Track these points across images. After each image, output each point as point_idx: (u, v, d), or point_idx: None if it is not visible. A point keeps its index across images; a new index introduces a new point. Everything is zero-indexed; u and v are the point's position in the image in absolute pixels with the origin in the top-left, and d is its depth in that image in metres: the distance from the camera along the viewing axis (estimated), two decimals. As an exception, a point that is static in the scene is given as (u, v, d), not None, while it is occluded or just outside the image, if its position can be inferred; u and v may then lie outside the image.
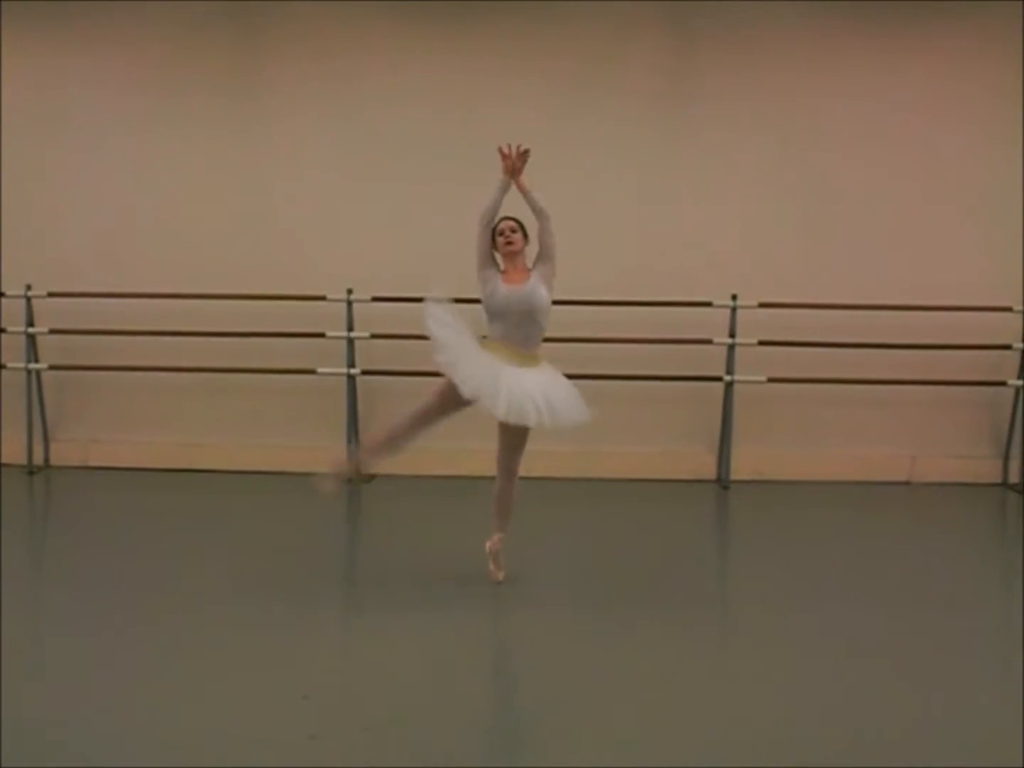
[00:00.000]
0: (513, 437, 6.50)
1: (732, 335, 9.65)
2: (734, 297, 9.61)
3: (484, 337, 6.48)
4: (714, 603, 6.84)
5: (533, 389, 6.20)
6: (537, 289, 6.40)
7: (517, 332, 6.39)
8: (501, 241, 6.49)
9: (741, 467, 9.87)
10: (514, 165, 6.43)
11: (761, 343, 9.59)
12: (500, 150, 6.44)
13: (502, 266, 6.55)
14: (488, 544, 6.77)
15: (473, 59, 9.95)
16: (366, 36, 9.92)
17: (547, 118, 9.83)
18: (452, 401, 6.41)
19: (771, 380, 9.66)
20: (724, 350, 9.71)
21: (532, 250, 6.58)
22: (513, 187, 6.46)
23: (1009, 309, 9.74)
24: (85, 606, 6.27)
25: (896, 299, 9.71)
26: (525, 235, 6.56)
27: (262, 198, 10.03)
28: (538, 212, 6.45)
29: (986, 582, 7.36)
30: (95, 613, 6.15)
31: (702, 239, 9.85)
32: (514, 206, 6.47)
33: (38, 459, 10.10)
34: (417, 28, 9.89)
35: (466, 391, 6.18)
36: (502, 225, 6.49)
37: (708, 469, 9.95)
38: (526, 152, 6.43)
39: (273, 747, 4.51)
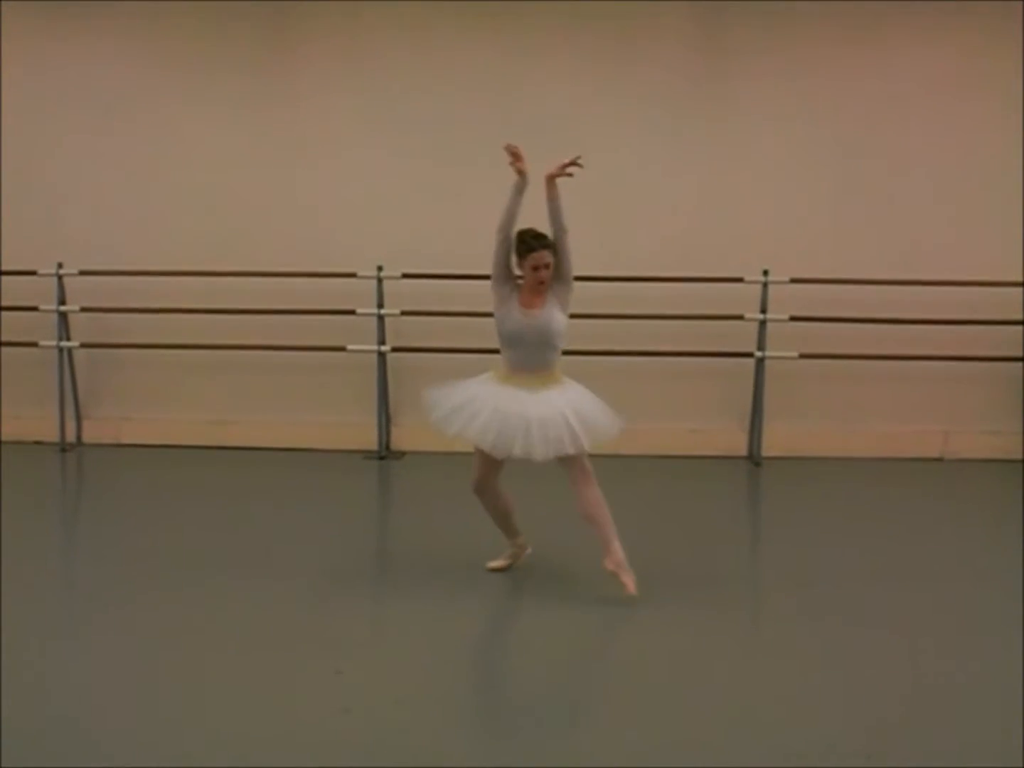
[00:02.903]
0: (571, 462, 6.07)
1: (763, 311, 9.61)
2: (765, 272, 9.56)
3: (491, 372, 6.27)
4: (747, 581, 6.80)
5: (560, 412, 5.93)
6: (553, 316, 6.02)
7: (533, 358, 6.06)
8: (533, 278, 6.00)
9: (773, 443, 9.83)
10: (562, 170, 6.03)
11: (792, 319, 9.54)
12: (508, 149, 6.14)
13: (519, 280, 6.16)
14: (608, 562, 6.13)
15: (505, 37, 9.89)
16: (398, 13, 9.86)
17: (580, 95, 9.84)
18: (492, 461, 6.20)
19: (802, 356, 9.61)
20: (755, 326, 9.67)
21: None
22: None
23: (1042, 283, 9.68)
24: (116, 582, 6.31)
25: (928, 274, 9.63)
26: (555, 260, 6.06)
27: (292, 175, 10.03)
28: (560, 227, 6.01)
29: (1013, 558, 7.33)
30: (126, 590, 6.18)
31: (734, 215, 9.81)
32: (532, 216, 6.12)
33: (71, 436, 10.14)
34: (448, 5, 9.84)
35: (487, 447, 6.00)
36: (537, 259, 5.94)
37: (739, 446, 9.92)
38: (577, 158, 6.03)
39: (306, 721, 4.53)
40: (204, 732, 4.45)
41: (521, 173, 6.05)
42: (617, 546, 6.04)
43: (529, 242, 5.96)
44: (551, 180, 6.03)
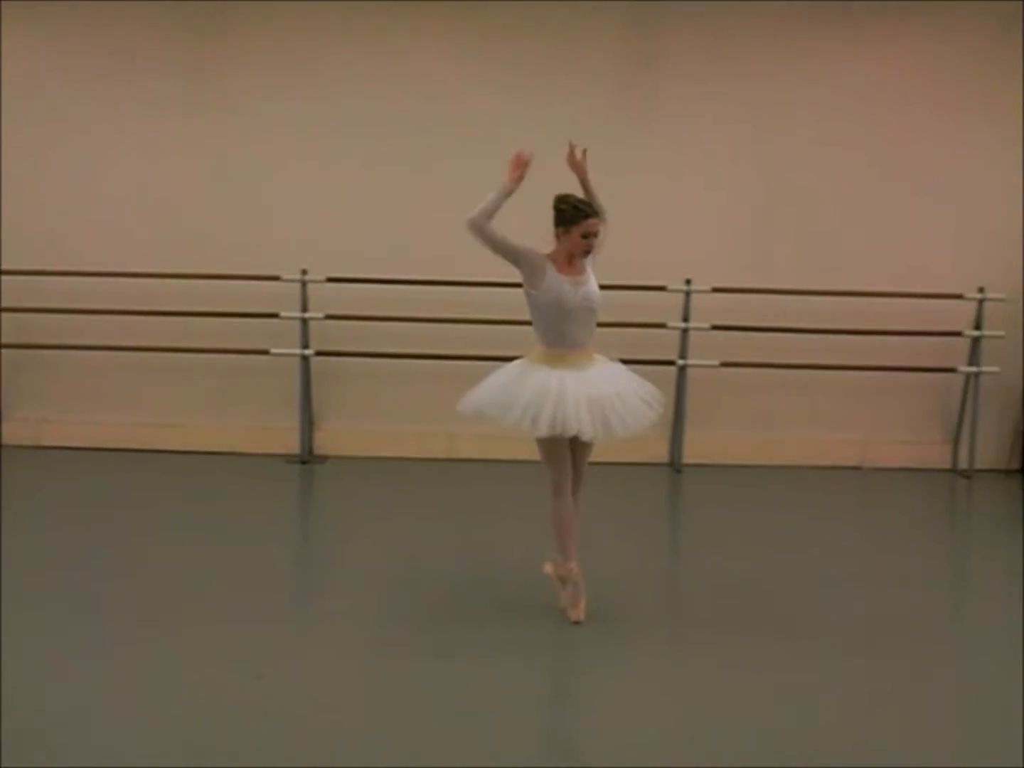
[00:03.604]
0: (586, 445, 5.94)
1: (686, 319, 9.70)
2: (688, 281, 9.65)
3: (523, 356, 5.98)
4: (668, 589, 6.90)
5: (607, 393, 5.74)
6: (594, 281, 5.86)
7: (583, 332, 5.82)
8: (582, 245, 5.77)
9: (693, 451, 9.91)
10: (578, 163, 6.10)
11: (714, 327, 9.63)
12: (519, 157, 5.88)
13: (545, 251, 5.87)
14: (554, 568, 6.12)
15: (438, 42, 9.89)
16: (328, 17, 9.84)
17: (512, 101, 9.86)
18: (562, 446, 5.82)
19: (724, 365, 9.71)
20: (678, 334, 9.75)
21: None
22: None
23: (960, 296, 9.82)
24: (34, 590, 6.22)
25: (849, 285, 9.77)
26: None
27: (217, 178, 9.96)
28: (602, 210, 5.92)
29: (933, 566, 7.47)
30: (45, 597, 6.10)
31: (658, 224, 9.87)
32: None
33: (-10, 438, 10.05)
34: (381, 9, 9.82)
35: (587, 436, 5.66)
36: (589, 226, 5.75)
37: (660, 453, 9.98)
38: (585, 151, 6.12)
39: (226, 725, 4.54)
40: (119, 738, 4.43)
41: (516, 179, 5.82)
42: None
43: (582, 208, 5.79)
44: (582, 177, 6.13)
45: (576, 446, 5.85)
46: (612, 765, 4.34)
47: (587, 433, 5.62)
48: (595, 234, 5.79)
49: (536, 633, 5.74)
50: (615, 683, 5.22)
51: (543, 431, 5.58)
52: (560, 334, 5.77)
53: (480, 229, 5.69)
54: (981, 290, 9.81)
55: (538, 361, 5.81)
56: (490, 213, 5.70)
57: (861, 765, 4.36)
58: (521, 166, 5.80)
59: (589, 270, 5.89)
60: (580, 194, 6.02)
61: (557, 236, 5.85)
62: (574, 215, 5.77)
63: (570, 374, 5.70)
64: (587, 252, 5.82)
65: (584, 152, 6.15)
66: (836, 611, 6.23)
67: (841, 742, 4.57)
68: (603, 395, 5.71)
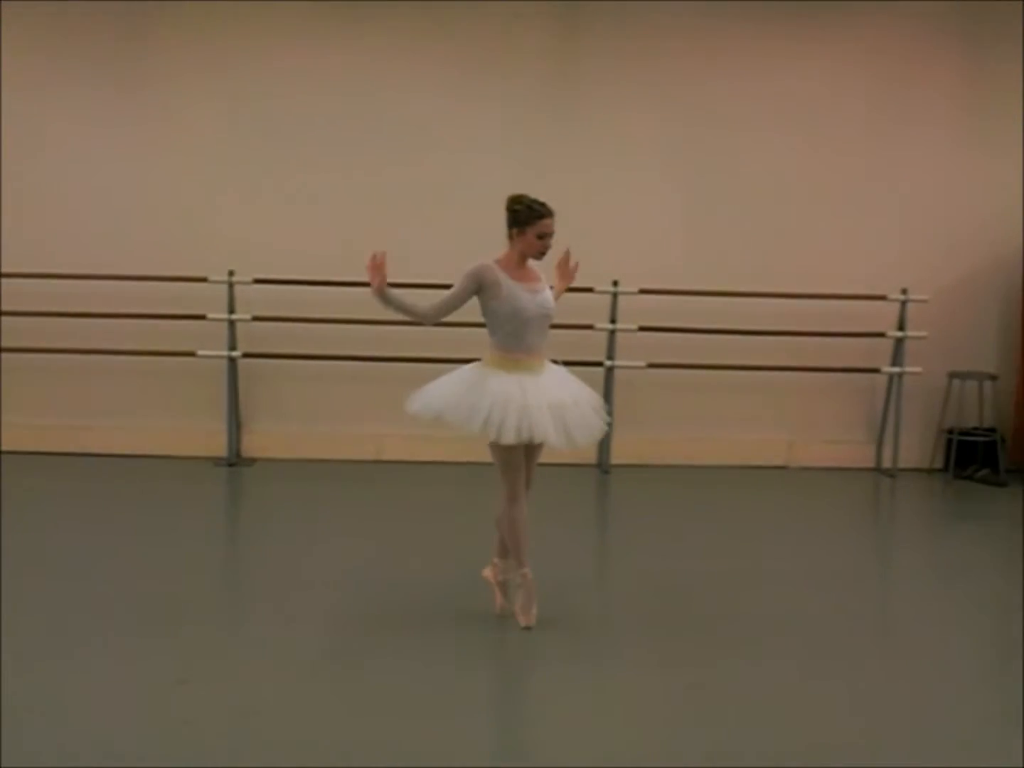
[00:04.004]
0: (536, 450, 5.88)
1: (613, 320, 9.74)
2: (615, 283, 9.70)
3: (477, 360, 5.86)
4: (596, 588, 6.90)
5: (565, 400, 5.72)
6: (549, 290, 5.83)
7: (539, 339, 5.74)
8: (538, 246, 5.68)
9: (622, 451, 9.94)
10: (569, 272, 6.24)
11: (642, 329, 9.68)
12: (373, 259, 5.65)
13: (498, 257, 5.76)
14: (493, 573, 6.14)
15: (362, 43, 9.86)
16: (252, 18, 9.78)
17: (442, 102, 9.87)
18: (518, 453, 5.70)
19: (651, 366, 9.77)
20: (605, 335, 9.80)
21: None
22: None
23: (884, 298, 9.95)
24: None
25: (774, 287, 9.87)
26: None
27: (143, 179, 9.86)
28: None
29: (859, 563, 7.57)
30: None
31: (585, 225, 9.87)
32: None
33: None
34: (310, 14, 9.77)
35: (551, 442, 5.61)
36: (545, 226, 5.67)
37: (588, 454, 9.98)
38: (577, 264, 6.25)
39: (147, 730, 4.50)
40: (39, 741, 4.38)
41: (380, 286, 5.60)
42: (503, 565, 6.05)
43: (537, 209, 5.68)
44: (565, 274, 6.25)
45: (528, 451, 5.77)
46: (553, 766, 4.36)
47: (552, 440, 5.59)
48: (551, 234, 5.70)
49: (467, 636, 5.73)
50: (550, 685, 5.22)
51: (510, 439, 5.48)
52: (517, 340, 5.67)
53: (431, 318, 5.74)
54: (904, 291, 9.94)
55: (494, 366, 5.70)
56: (409, 311, 5.70)
57: (797, 765, 4.38)
58: (375, 267, 5.61)
59: (543, 277, 5.84)
60: (552, 277, 6.15)
61: (511, 237, 5.73)
62: (529, 215, 5.66)
63: (529, 380, 5.63)
64: (542, 253, 5.71)
65: (576, 265, 6.26)
66: (766, 609, 6.28)
67: (775, 740, 4.59)
68: (563, 402, 5.68)
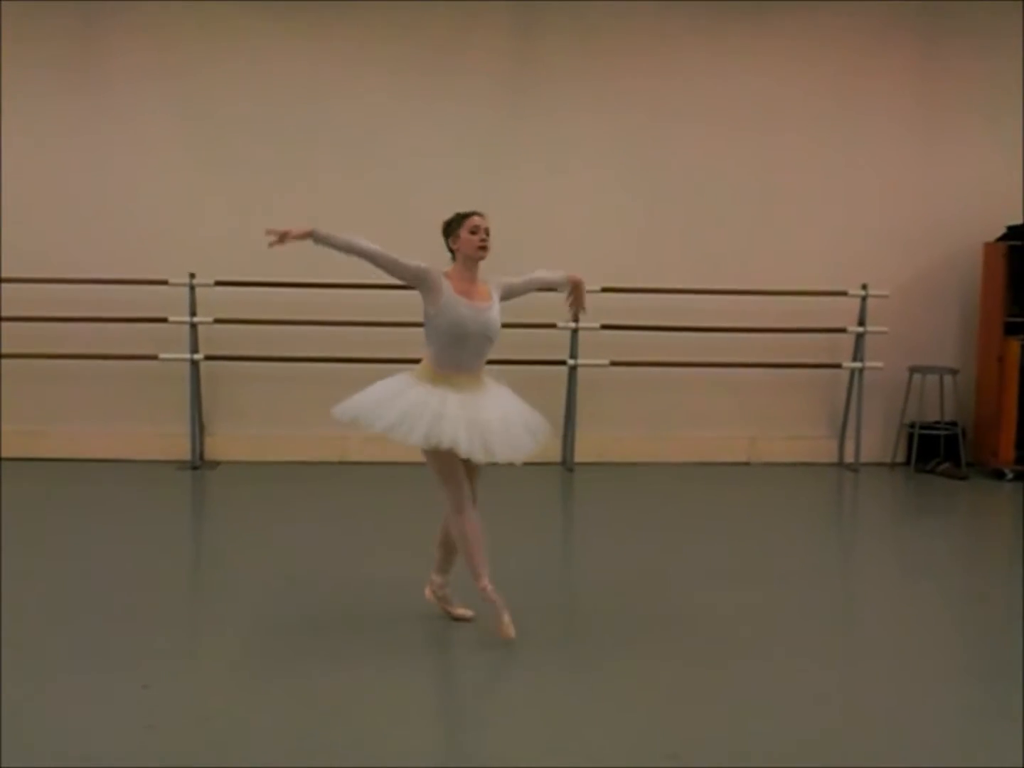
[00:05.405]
0: (476, 474, 5.75)
1: (576, 319, 9.74)
2: (577, 282, 9.71)
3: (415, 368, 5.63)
4: (560, 587, 6.86)
5: (508, 412, 5.56)
6: (496, 309, 5.56)
7: (475, 358, 5.51)
8: (474, 241, 5.50)
9: (585, 450, 9.98)
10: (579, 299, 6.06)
11: (604, 327, 9.70)
12: (274, 239, 5.46)
13: (446, 267, 5.59)
14: (431, 591, 5.99)
15: (320, 46, 9.89)
16: (212, 23, 9.80)
17: (394, 104, 9.91)
18: (452, 461, 5.47)
19: (613, 364, 9.80)
20: (568, 334, 9.82)
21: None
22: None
23: (844, 293, 10.01)
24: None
25: (736, 284, 9.93)
26: None
27: (103, 183, 9.84)
28: (537, 288, 6.03)
29: (823, 558, 7.61)
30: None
31: (545, 223, 9.93)
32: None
33: None
34: (263, 16, 9.78)
35: (464, 450, 5.32)
36: (476, 221, 5.52)
37: (552, 452, 10.01)
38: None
39: (111, 735, 4.47)
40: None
41: (305, 236, 5.44)
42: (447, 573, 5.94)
43: (460, 213, 5.58)
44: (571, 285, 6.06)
45: (467, 466, 5.59)
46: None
47: (464, 449, 5.33)
48: (485, 229, 5.51)
49: (430, 638, 5.72)
50: (511, 686, 5.22)
51: (417, 441, 5.31)
52: (451, 357, 5.47)
53: (378, 257, 5.49)
54: (864, 287, 10.00)
55: (423, 379, 5.51)
56: (347, 247, 5.48)
57: (765, 765, 4.39)
58: (286, 234, 5.44)
59: (495, 298, 5.60)
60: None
61: (452, 251, 5.61)
62: (457, 219, 5.57)
63: (453, 395, 5.41)
64: (481, 248, 5.49)
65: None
66: (731, 606, 6.24)
67: (740, 739, 4.59)
68: (486, 420, 5.42)
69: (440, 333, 5.45)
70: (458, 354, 5.46)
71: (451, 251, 5.63)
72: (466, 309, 5.42)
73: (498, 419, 5.48)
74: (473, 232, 5.49)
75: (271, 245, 5.51)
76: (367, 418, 5.46)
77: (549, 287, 6.05)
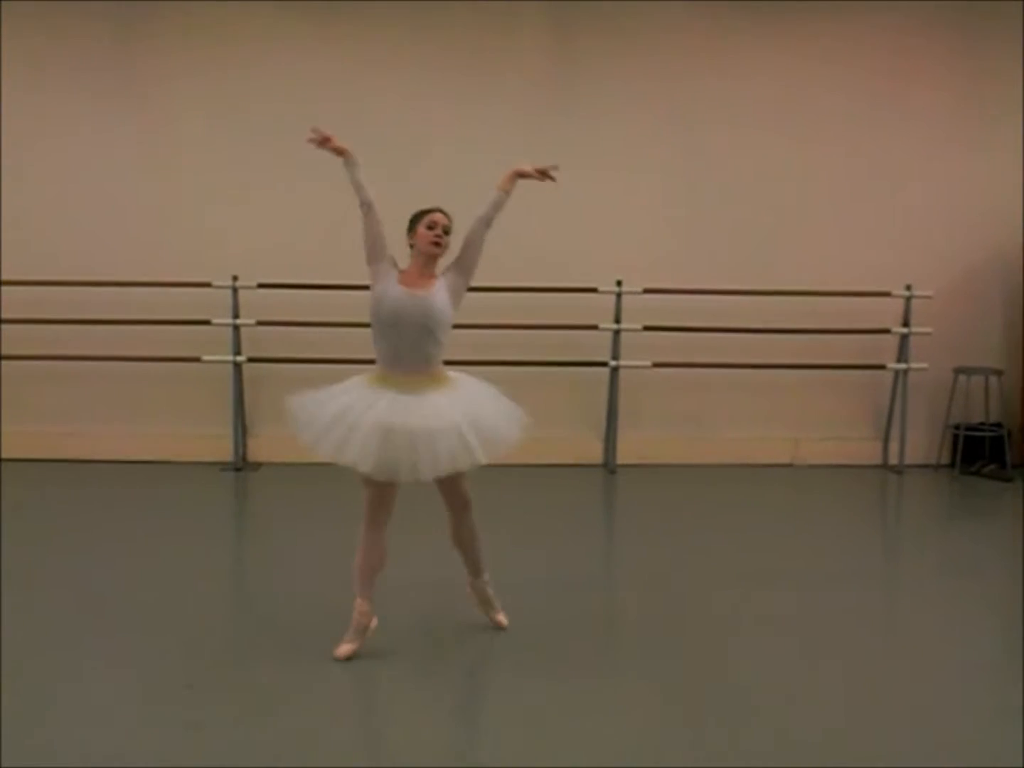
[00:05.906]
0: (450, 484, 5.49)
1: (617, 320, 9.74)
2: (619, 283, 9.70)
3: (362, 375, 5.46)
4: (601, 587, 6.84)
5: (452, 422, 5.14)
6: (439, 299, 5.26)
7: (412, 353, 5.22)
8: (428, 236, 5.35)
9: (627, 451, 9.96)
10: (535, 172, 5.71)
11: (646, 328, 9.68)
12: (314, 135, 5.51)
13: (402, 264, 5.43)
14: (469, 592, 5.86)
15: (358, 47, 9.91)
16: (251, 22, 9.84)
17: (432, 102, 9.92)
18: (383, 492, 5.36)
19: (656, 365, 9.77)
20: (610, 335, 9.79)
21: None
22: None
23: (888, 294, 9.94)
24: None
25: (779, 285, 9.87)
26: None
27: (147, 186, 9.89)
28: (489, 220, 5.55)
29: (868, 561, 7.55)
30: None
31: (588, 226, 9.92)
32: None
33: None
34: (299, 18, 9.82)
35: (366, 470, 5.15)
36: (435, 217, 5.37)
37: (595, 454, 10.01)
38: (553, 167, 5.76)
39: (155, 735, 4.49)
40: (49, 747, 4.39)
41: (340, 152, 5.48)
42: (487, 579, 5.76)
43: (422, 210, 5.45)
44: (516, 176, 5.66)
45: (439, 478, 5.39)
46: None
47: (365, 470, 5.16)
48: (443, 226, 5.38)
49: (469, 643, 5.71)
50: (552, 688, 5.20)
51: (324, 455, 5.23)
52: (388, 350, 5.27)
53: (362, 214, 5.45)
54: (909, 287, 9.93)
55: (372, 380, 5.31)
56: (360, 192, 5.45)
57: (800, 764, 4.37)
58: (325, 139, 5.49)
59: (440, 284, 5.36)
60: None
61: (411, 247, 5.46)
62: (417, 215, 5.45)
63: (390, 398, 5.18)
64: (436, 244, 5.32)
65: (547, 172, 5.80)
66: (774, 607, 6.25)
67: (778, 738, 4.57)
68: (430, 428, 5.10)
69: (376, 322, 5.29)
70: (395, 346, 5.23)
71: (410, 247, 5.47)
72: (400, 292, 5.24)
73: (450, 427, 5.14)
74: (430, 228, 5.36)
75: (308, 140, 5.48)
76: (300, 426, 5.48)
77: (498, 208, 5.62)
